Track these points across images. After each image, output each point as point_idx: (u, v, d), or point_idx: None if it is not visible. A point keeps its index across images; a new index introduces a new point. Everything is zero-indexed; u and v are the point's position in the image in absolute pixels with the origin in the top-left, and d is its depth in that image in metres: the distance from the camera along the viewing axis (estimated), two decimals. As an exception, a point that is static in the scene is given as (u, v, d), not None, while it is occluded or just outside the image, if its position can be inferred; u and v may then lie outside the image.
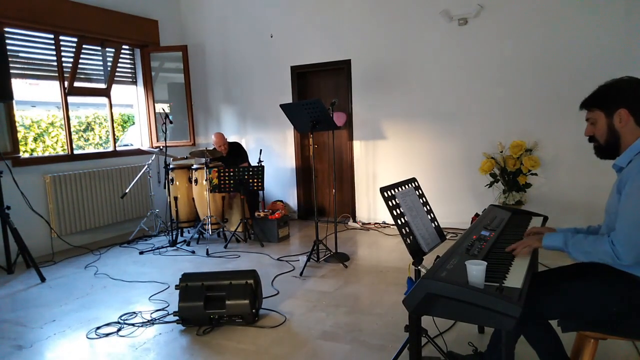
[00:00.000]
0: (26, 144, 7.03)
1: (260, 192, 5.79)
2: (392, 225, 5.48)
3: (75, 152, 5.47)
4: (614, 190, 1.78)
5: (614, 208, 1.75)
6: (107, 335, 2.97)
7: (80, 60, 5.41)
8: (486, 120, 4.98)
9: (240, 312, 2.95)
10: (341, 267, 4.15)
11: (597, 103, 1.80)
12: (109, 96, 5.86)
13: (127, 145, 7.94)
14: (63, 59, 5.24)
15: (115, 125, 6.12)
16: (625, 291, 1.67)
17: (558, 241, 1.78)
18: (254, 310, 2.98)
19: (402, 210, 1.99)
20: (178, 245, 5.01)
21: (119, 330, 3.02)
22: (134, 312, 3.29)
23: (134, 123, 7.78)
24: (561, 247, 1.77)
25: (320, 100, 4.03)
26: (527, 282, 1.64)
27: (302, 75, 6.11)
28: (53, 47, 5.16)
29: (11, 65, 4.53)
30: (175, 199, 5.30)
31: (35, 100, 8.27)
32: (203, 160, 5.16)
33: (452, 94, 5.11)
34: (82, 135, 8.11)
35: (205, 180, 5.03)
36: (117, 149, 5.98)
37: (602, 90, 1.80)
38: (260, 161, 5.51)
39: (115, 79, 5.93)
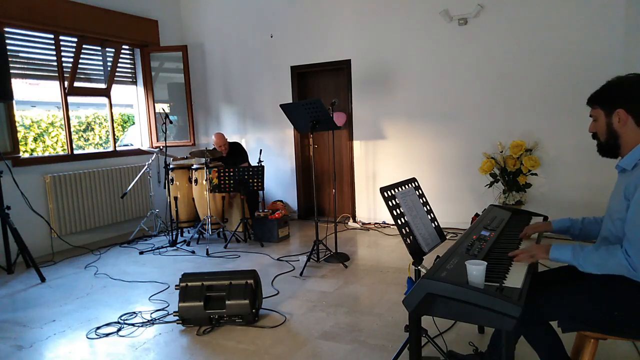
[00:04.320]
0: (26, 144, 7.03)
1: (260, 192, 5.79)
2: (392, 225, 5.48)
3: (75, 152, 5.47)
4: (619, 195, 1.73)
5: (619, 214, 1.71)
6: (107, 335, 2.97)
7: (80, 60, 5.41)
8: (486, 120, 4.98)
9: (240, 312, 2.95)
10: (341, 267, 4.14)
11: (598, 101, 1.79)
12: (109, 96, 5.86)
13: (127, 145, 7.94)
14: (63, 59, 5.24)
15: (115, 125, 6.13)
16: (626, 293, 1.66)
17: (566, 255, 1.71)
18: (254, 310, 2.98)
19: (402, 210, 1.99)
20: (178, 245, 5.02)
21: (119, 330, 3.02)
22: (134, 312, 3.29)
23: (134, 123, 7.78)
24: (569, 260, 1.70)
25: (320, 100, 4.03)
26: (527, 282, 1.64)
27: (302, 75, 6.11)
28: (53, 47, 5.16)
29: (11, 65, 4.53)
30: (175, 199, 5.30)
31: (35, 100, 8.27)
32: (203, 160, 5.16)
33: (452, 94, 5.11)
34: (82, 135, 8.11)
35: (205, 180, 5.03)
36: (117, 149, 5.98)
37: (605, 88, 1.78)
38: (260, 161, 5.51)
39: (115, 79, 5.93)
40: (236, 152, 5.76)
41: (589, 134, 1.88)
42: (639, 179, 1.63)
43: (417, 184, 2.28)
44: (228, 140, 5.77)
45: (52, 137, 7.39)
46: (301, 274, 3.97)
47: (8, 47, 4.39)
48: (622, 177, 1.78)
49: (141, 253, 4.86)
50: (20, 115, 6.98)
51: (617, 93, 1.74)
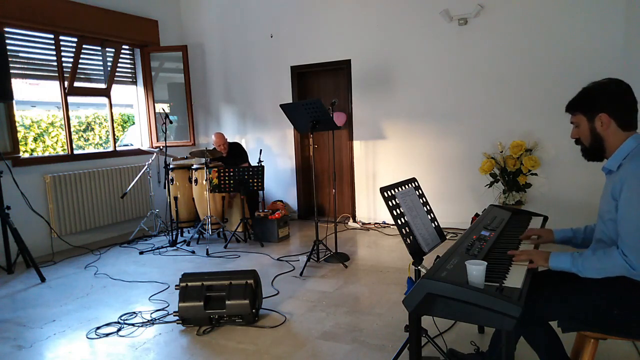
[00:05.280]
0: (26, 144, 7.03)
1: (260, 192, 5.79)
2: (392, 225, 5.48)
3: (75, 152, 5.47)
4: (607, 196, 1.76)
5: (609, 214, 1.74)
6: (107, 335, 2.97)
7: (80, 60, 5.41)
8: (486, 120, 4.97)
9: (240, 312, 2.95)
10: (341, 267, 4.14)
11: (579, 107, 1.83)
12: (109, 96, 5.86)
13: (127, 145, 7.94)
14: (63, 59, 5.24)
15: (115, 125, 6.13)
16: (625, 291, 1.66)
17: (565, 263, 1.73)
18: (254, 310, 2.98)
19: (402, 210, 1.99)
20: (178, 245, 5.01)
21: (119, 330, 3.02)
22: (134, 312, 3.29)
23: (134, 123, 7.78)
24: (569, 268, 1.72)
25: (320, 100, 4.03)
26: (527, 282, 1.64)
27: (302, 75, 6.11)
28: (53, 47, 5.15)
29: (11, 65, 4.53)
30: (175, 199, 5.30)
31: (35, 100, 8.27)
32: (203, 160, 5.16)
33: (452, 94, 5.11)
34: (82, 135, 8.11)
35: (205, 180, 5.03)
36: (117, 149, 5.98)
37: (583, 94, 1.82)
38: (260, 161, 5.51)
39: (115, 79, 5.93)
40: (236, 152, 5.77)
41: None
42: (624, 179, 1.65)
43: (417, 184, 2.28)
44: (228, 141, 5.77)
45: (52, 137, 7.40)
46: (301, 274, 3.97)
47: (8, 47, 4.39)
48: (609, 179, 1.81)
49: (141, 253, 4.86)
50: (20, 115, 6.98)
51: (597, 98, 1.78)
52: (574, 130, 1.88)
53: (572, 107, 1.86)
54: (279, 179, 6.38)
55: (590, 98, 1.80)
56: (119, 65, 5.96)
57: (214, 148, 5.50)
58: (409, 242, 1.91)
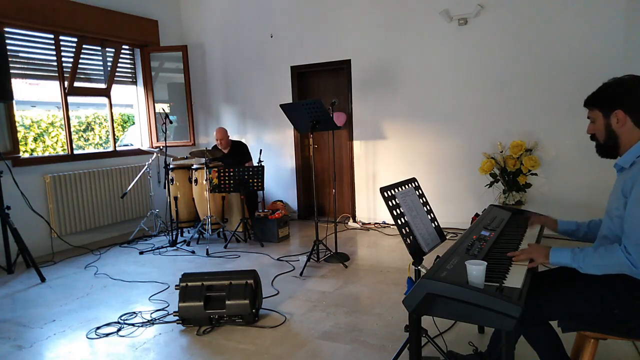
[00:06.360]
0: (26, 144, 7.03)
1: (260, 192, 5.79)
2: (392, 225, 5.48)
3: (75, 152, 5.47)
4: (617, 192, 1.74)
5: (617, 211, 1.72)
6: (107, 335, 2.97)
7: (80, 60, 5.41)
8: (486, 120, 4.97)
9: (240, 312, 2.95)
10: (341, 267, 4.14)
11: (596, 103, 1.80)
12: (109, 96, 5.86)
13: (127, 145, 7.94)
14: (63, 59, 5.24)
15: (115, 125, 6.13)
16: (626, 291, 1.66)
17: (566, 258, 1.72)
18: (254, 310, 2.98)
19: (402, 210, 1.99)
20: (178, 245, 5.02)
21: (119, 330, 3.02)
22: (134, 312, 3.29)
23: (134, 123, 7.78)
24: (569, 263, 1.71)
25: (320, 100, 4.03)
26: (527, 282, 1.64)
27: (302, 75, 6.11)
28: (53, 47, 5.15)
29: (11, 65, 4.53)
30: (175, 199, 5.30)
31: (35, 100, 8.27)
32: (203, 160, 5.16)
33: (452, 94, 5.11)
34: (82, 135, 8.11)
35: (205, 180, 5.03)
36: (117, 149, 5.98)
37: (602, 89, 1.80)
38: (260, 161, 5.51)
39: (115, 79, 5.93)
40: (239, 151, 5.76)
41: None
42: (636, 177, 1.64)
43: (417, 184, 2.28)
44: (231, 139, 5.76)
45: (52, 137, 7.40)
46: (301, 274, 3.97)
47: (8, 47, 4.39)
48: (620, 176, 1.80)
49: (141, 253, 4.86)
50: (20, 115, 6.98)
51: (614, 94, 1.76)
52: (590, 125, 1.86)
53: (589, 102, 1.83)
54: (279, 179, 6.38)
55: (607, 94, 1.77)
56: (119, 65, 5.95)
57: (214, 147, 5.50)
58: (409, 242, 1.91)
